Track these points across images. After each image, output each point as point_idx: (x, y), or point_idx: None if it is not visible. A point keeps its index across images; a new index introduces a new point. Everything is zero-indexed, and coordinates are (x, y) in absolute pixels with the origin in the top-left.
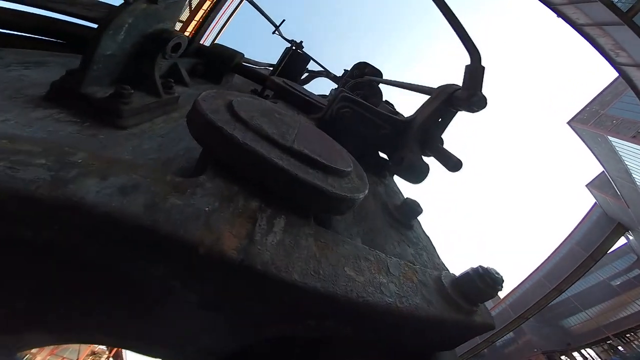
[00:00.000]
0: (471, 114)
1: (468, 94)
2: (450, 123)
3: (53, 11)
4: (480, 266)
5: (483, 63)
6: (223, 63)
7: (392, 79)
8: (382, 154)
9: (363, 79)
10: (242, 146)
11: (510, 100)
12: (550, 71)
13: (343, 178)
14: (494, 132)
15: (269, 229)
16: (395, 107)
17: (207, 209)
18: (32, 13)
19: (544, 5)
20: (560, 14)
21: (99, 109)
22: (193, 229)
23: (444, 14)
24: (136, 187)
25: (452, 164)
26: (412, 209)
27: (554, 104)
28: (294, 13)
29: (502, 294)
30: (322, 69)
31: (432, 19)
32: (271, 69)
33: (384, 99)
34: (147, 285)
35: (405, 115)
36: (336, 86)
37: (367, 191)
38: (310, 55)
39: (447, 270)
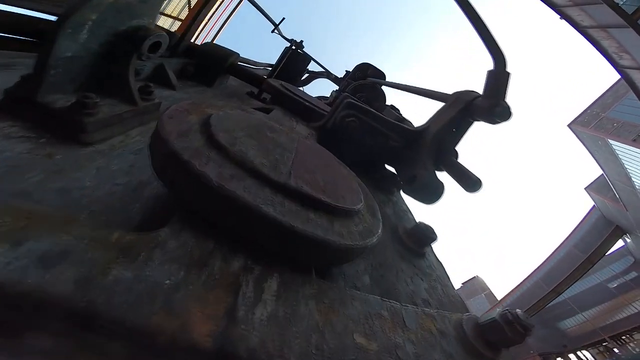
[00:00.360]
0: (490, 124)
1: (490, 104)
2: (466, 134)
3: (21, 7)
4: (508, 311)
5: (483, 62)
6: (216, 64)
7: (397, 82)
8: (386, 166)
9: (365, 81)
10: (216, 190)
11: (511, 102)
12: (551, 73)
13: (352, 218)
14: (493, 133)
15: (256, 298)
16: (401, 112)
17: (167, 282)
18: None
19: (546, 7)
20: (563, 16)
21: (59, 122)
22: (147, 312)
23: (465, 12)
24: (65, 255)
25: (471, 182)
26: (426, 235)
27: (555, 106)
28: (294, 12)
29: (499, 296)
30: (322, 70)
31: (431, 17)
32: (270, 69)
33: (388, 103)
34: None
35: (414, 123)
36: (337, 87)
37: (381, 230)
38: (311, 55)
39: (462, 302)
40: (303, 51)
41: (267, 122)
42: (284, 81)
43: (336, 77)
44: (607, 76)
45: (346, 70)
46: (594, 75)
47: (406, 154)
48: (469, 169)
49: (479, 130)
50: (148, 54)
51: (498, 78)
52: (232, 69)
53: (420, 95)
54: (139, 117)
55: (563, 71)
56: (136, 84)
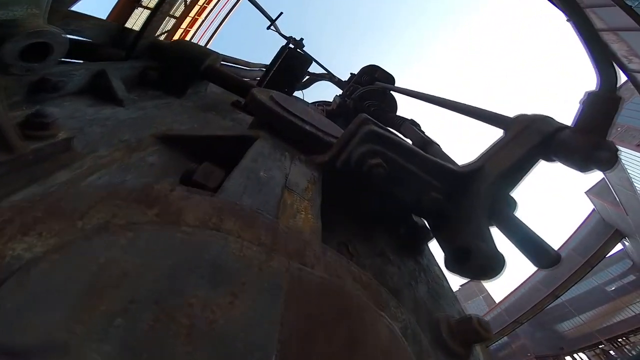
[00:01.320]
0: (580, 171)
1: (587, 142)
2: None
3: None
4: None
5: (484, 62)
6: (187, 66)
7: (417, 90)
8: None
9: (374, 86)
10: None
11: (512, 105)
12: (553, 75)
13: None
14: (494, 135)
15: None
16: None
17: None
18: None
19: (548, 8)
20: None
21: None
22: None
23: (570, 15)
24: None
25: (547, 258)
26: (477, 333)
27: (558, 110)
28: (292, 9)
29: (497, 299)
30: (324, 72)
31: (431, 16)
32: (263, 73)
33: (400, 114)
34: None
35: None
36: (341, 92)
37: None
38: (311, 55)
39: None
40: (303, 51)
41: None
42: (278, 89)
43: (340, 80)
44: None
45: (351, 73)
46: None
47: (449, 208)
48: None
49: (478, 132)
50: (23, 64)
51: (604, 105)
52: (209, 73)
53: (455, 110)
54: (24, 170)
55: (567, 73)
56: (12, 116)
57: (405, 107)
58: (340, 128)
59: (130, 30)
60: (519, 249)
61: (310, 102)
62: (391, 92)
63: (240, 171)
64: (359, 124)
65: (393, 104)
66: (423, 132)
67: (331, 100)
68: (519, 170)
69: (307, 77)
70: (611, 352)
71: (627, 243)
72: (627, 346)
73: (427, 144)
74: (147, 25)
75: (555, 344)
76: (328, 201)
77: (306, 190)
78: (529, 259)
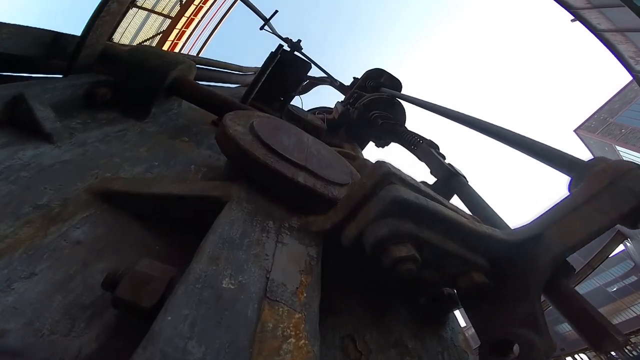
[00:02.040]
0: None
1: None
2: None
3: None
4: None
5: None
6: (149, 80)
7: (432, 102)
8: None
9: (381, 93)
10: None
11: (514, 104)
12: (557, 75)
13: None
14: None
15: None
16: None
17: None
18: None
19: (557, 8)
20: (579, 18)
21: None
22: None
23: None
24: None
25: (608, 341)
26: None
27: (561, 111)
28: (290, 9)
29: None
30: (324, 75)
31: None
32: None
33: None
34: None
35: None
36: (343, 98)
37: None
38: (310, 57)
39: None
40: (302, 53)
41: None
42: (271, 100)
43: (341, 84)
44: (616, 80)
45: (354, 78)
46: (602, 79)
47: (491, 288)
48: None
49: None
50: None
51: None
52: (177, 86)
53: (490, 135)
54: None
55: (570, 74)
56: None
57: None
58: (347, 166)
59: (72, 36)
60: (572, 325)
61: (308, 108)
62: (399, 100)
63: (190, 285)
64: (376, 181)
65: (402, 115)
66: (444, 157)
67: (332, 106)
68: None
69: (306, 81)
70: (612, 352)
71: (629, 244)
72: (627, 347)
73: (452, 177)
74: (89, 28)
75: (556, 345)
76: (329, 276)
77: (298, 291)
78: (584, 338)
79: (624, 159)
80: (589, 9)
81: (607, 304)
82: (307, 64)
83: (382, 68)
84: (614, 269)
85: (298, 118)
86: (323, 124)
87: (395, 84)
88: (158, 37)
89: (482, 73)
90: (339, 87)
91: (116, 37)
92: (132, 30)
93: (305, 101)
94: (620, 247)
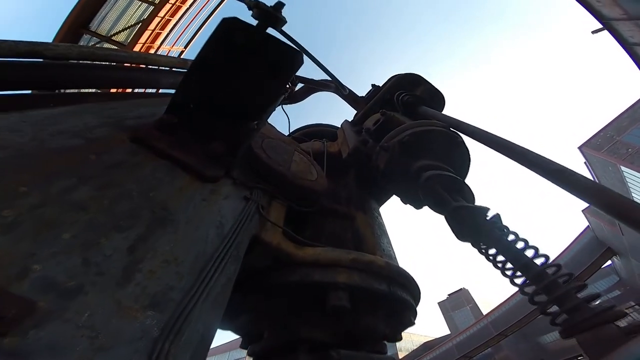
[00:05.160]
0: None
1: None
2: None
3: None
4: None
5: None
6: None
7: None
8: None
9: (431, 123)
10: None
11: (518, 115)
12: (568, 88)
13: None
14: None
15: None
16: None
17: None
18: None
19: (557, 19)
20: (610, 29)
21: None
22: None
23: None
24: None
25: None
26: None
27: (568, 125)
28: (299, 8)
29: (485, 310)
30: (329, 80)
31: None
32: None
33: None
34: None
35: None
36: (354, 114)
37: None
38: (307, 51)
39: None
40: (285, 34)
41: None
42: (216, 128)
43: (352, 93)
44: (628, 96)
45: (373, 85)
46: (615, 94)
47: None
48: None
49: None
50: None
51: None
52: None
53: None
54: None
55: (581, 87)
56: None
57: None
58: None
59: None
60: None
61: (301, 125)
62: (461, 137)
63: None
64: None
65: (465, 167)
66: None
67: (335, 122)
68: None
69: (289, 88)
70: None
71: (616, 260)
72: None
73: None
74: None
75: (537, 356)
76: None
77: None
78: None
79: (628, 180)
80: (623, 20)
81: None
82: (295, 54)
83: (418, 74)
84: (599, 283)
85: (271, 173)
86: (316, 183)
87: (437, 100)
88: (138, 26)
89: (486, 81)
90: (349, 97)
91: (94, 25)
92: (114, 15)
93: (299, 110)
94: (607, 262)
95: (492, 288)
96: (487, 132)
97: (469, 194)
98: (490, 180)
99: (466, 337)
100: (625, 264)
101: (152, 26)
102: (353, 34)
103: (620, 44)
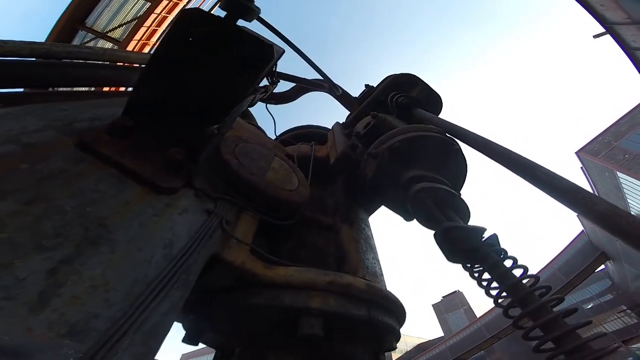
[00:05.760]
0: None
1: None
2: None
3: None
4: None
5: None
6: None
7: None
8: None
9: (426, 128)
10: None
11: (516, 118)
12: (568, 92)
13: None
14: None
15: None
16: None
17: None
18: None
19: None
20: (612, 33)
21: None
22: None
23: None
24: None
25: None
26: None
27: (567, 129)
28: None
29: (478, 313)
30: (320, 79)
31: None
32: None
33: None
34: None
35: None
36: (346, 116)
37: None
38: (293, 44)
39: None
40: (263, 21)
41: None
42: (178, 131)
43: (345, 93)
44: (628, 102)
45: (366, 85)
46: (615, 99)
47: None
48: None
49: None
50: None
51: None
52: None
53: None
54: None
55: (581, 92)
56: None
57: None
58: None
59: None
60: None
61: (288, 127)
62: (458, 144)
63: None
64: None
65: (461, 176)
66: None
67: (326, 124)
68: None
69: (262, 89)
70: None
71: (609, 264)
72: None
73: None
74: None
75: (530, 358)
76: None
77: None
78: None
79: (623, 186)
80: (626, 25)
81: (582, 319)
82: (265, 48)
83: (414, 74)
84: (591, 287)
85: (241, 183)
86: (295, 193)
87: (434, 102)
88: (134, 23)
89: (483, 82)
90: (342, 97)
91: (90, 21)
92: (110, 11)
93: (292, 109)
94: (601, 266)
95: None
96: (489, 140)
97: (464, 210)
98: (483, 180)
99: (460, 339)
100: (618, 269)
101: (148, 23)
102: (347, 32)
103: (622, 48)
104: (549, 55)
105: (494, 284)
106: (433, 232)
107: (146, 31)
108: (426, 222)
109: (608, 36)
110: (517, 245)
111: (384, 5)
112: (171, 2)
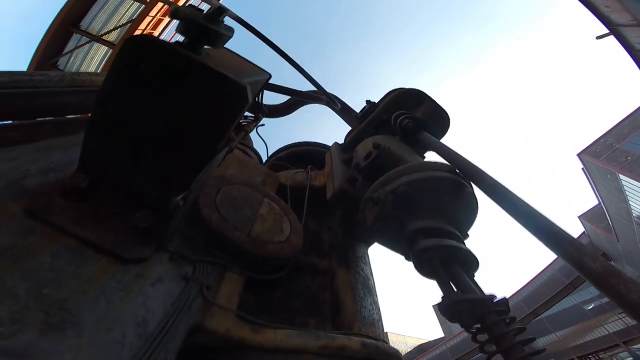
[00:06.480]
0: None
1: None
2: None
3: None
4: None
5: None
6: None
7: None
8: None
9: (435, 168)
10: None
11: (517, 119)
12: (571, 93)
13: None
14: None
15: None
16: None
17: None
18: None
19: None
20: (617, 35)
21: None
22: None
23: None
24: None
25: None
26: None
27: (570, 131)
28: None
29: None
30: (317, 91)
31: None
32: None
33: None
34: None
35: None
36: (345, 134)
37: None
38: (283, 52)
39: None
40: (257, 34)
41: None
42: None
43: (345, 107)
44: (630, 103)
45: (367, 102)
46: (618, 101)
47: None
48: None
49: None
50: None
51: None
52: None
53: None
54: None
55: (584, 93)
56: None
57: None
58: None
59: None
60: None
61: (281, 145)
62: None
63: None
64: None
65: (469, 220)
66: None
67: (330, 145)
68: None
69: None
70: None
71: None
72: None
73: None
74: None
75: None
76: None
77: None
78: None
79: (625, 188)
80: (632, 27)
81: (582, 321)
82: (237, 89)
83: (421, 90)
84: (592, 288)
85: (225, 242)
86: (286, 245)
87: (441, 121)
88: (127, 26)
89: (483, 83)
90: (341, 111)
91: (85, 23)
92: (105, 14)
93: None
94: None
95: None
96: (500, 184)
97: (471, 264)
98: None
99: (460, 340)
100: (619, 269)
101: (142, 26)
102: (347, 32)
103: (626, 50)
104: (549, 55)
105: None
106: (439, 299)
107: (141, 34)
108: (429, 277)
109: (610, 37)
110: (518, 246)
111: (384, 5)
112: (166, 5)
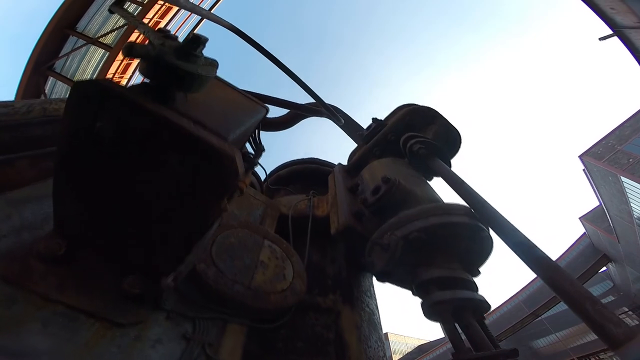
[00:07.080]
0: None
1: None
2: None
3: None
4: None
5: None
6: None
7: None
8: None
9: (452, 210)
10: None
11: (519, 120)
12: (573, 94)
13: None
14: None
15: None
16: None
17: None
18: None
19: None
20: (621, 37)
21: None
22: None
23: None
24: None
25: None
26: None
27: (572, 132)
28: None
29: None
30: (319, 104)
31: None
32: None
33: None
34: None
35: None
36: (350, 153)
37: None
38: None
39: None
40: (255, 45)
41: None
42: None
43: (350, 121)
44: (633, 105)
45: (374, 119)
46: (621, 102)
47: None
48: None
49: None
50: None
51: None
52: None
53: None
54: None
55: (586, 95)
56: None
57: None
58: None
59: None
60: None
61: (286, 160)
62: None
63: None
64: None
65: (479, 263)
66: None
67: (331, 148)
68: None
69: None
70: None
71: (611, 266)
72: None
73: None
74: None
75: None
76: None
77: None
78: None
79: (627, 190)
80: (637, 29)
81: (581, 322)
82: (224, 153)
83: (432, 108)
84: (593, 289)
85: (224, 298)
86: (289, 293)
87: (452, 142)
88: (125, 29)
89: (484, 84)
90: (345, 126)
91: (81, 26)
92: (102, 16)
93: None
94: (602, 268)
95: (487, 293)
96: (516, 229)
97: (482, 310)
98: (483, 179)
99: None
100: (619, 271)
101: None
102: (346, 32)
103: (630, 52)
104: (550, 55)
105: None
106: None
107: (138, 36)
108: (436, 321)
109: (613, 38)
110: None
111: (384, 4)
112: (164, 6)
